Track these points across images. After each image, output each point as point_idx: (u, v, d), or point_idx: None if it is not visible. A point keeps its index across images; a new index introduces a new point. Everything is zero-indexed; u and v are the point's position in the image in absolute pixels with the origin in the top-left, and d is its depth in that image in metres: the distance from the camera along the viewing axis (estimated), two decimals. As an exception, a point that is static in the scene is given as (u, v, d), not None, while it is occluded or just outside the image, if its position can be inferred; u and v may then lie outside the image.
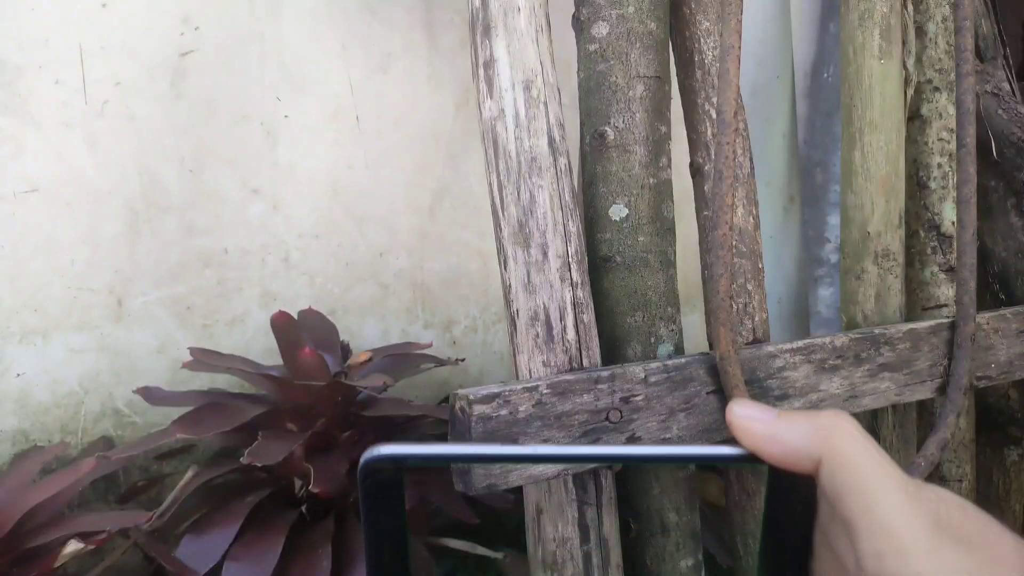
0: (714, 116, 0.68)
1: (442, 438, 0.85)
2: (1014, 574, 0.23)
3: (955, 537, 0.24)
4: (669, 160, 0.66)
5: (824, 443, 0.25)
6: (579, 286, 0.59)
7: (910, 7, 0.82)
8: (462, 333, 0.98)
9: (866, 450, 0.25)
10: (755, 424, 0.27)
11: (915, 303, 0.82)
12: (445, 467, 0.87)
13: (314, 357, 0.69)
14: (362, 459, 0.26)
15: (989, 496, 0.92)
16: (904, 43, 0.81)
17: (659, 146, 0.65)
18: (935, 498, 0.25)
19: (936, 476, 0.83)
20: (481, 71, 0.61)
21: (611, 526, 0.61)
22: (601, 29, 0.64)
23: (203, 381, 0.79)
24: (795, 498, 0.27)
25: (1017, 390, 0.91)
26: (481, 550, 0.69)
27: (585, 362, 0.58)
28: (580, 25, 0.66)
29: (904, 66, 0.81)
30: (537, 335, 0.57)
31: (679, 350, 0.65)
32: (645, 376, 0.57)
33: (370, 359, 0.77)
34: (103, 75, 0.77)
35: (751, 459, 0.27)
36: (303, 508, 0.70)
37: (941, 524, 0.24)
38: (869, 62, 0.77)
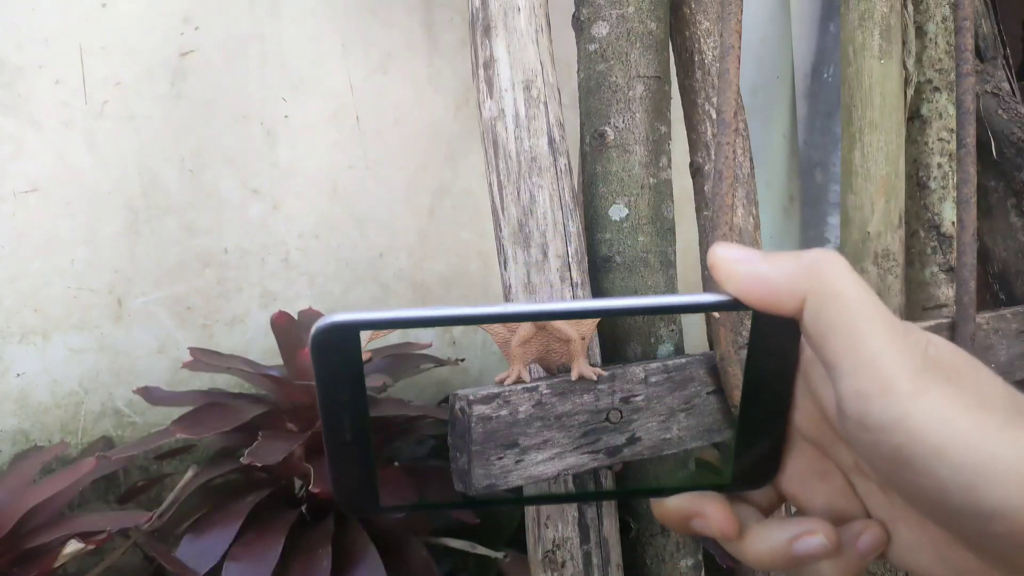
0: (714, 116, 0.68)
1: (442, 438, 0.85)
2: (1003, 416, 0.22)
3: (943, 378, 0.22)
4: (669, 160, 0.66)
5: (810, 280, 0.23)
6: (579, 286, 0.59)
7: (910, 7, 0.82)
8: (462, 333, 0.98)
9: (853, 286, 0.23)
10: (738, 265, 0.25)
11: (915, 303, 0.82)
12: (437, 470, 0.85)
13: (314, 357, 0.68)
14: (313, 330, 0.24)
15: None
16: (904, 43, 0.81)
17: (659, 146, 0.65)
18: (924, 340, 0.23)
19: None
20: (481, 71, 0.61)
21: (611, 526, 0.61)
22: (601, 29, 0.64)
23: (203, 381, 0.79)
24: (778, 345, 0.26)
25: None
26: (481, 550, 0.69)
27: (585, 362, 0.58)
28: (580, 25, 0.66)
29: (904, 66, 0.81)
30: (537, 335, 0.57)
31: (679, 350, 0.65)
32: (645, 376, 0.57)
33: (370, 359, 0.77)
34: (103, 75, 0.77)
35: (734, 304, 0.25)
36: (303, 508, 0.70)
37: (930, 364, 0.22)
38: (869, 62, 0.77)
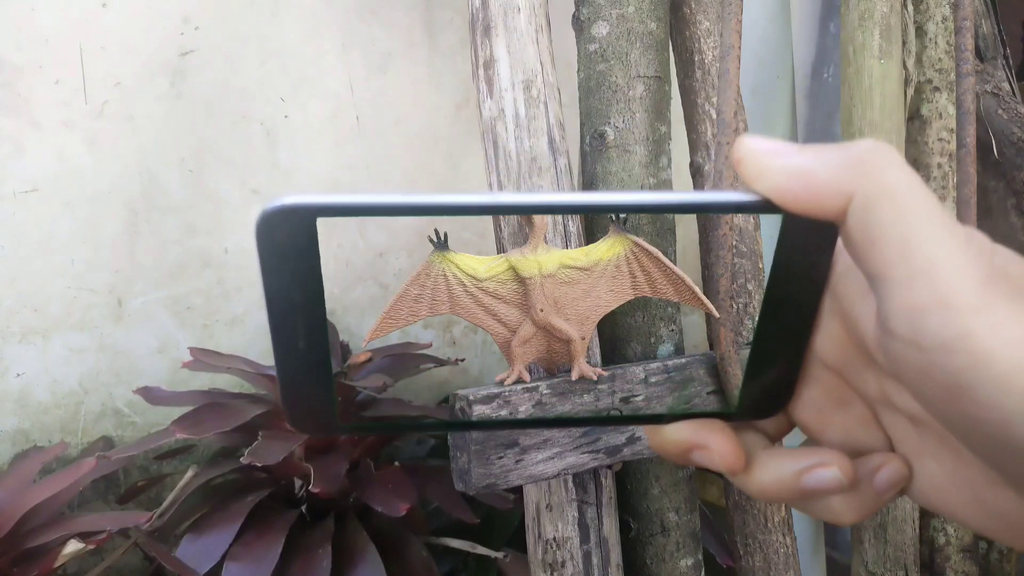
0: (714, 116, 0.68)
1: (442, 438, 0.85)
2: None
3: (1014, 292, 0.19)
4: (669, 160, 0.66)
5: (861, 174, 0.20)
6: (579, 286, 0.59)
7: (910, 7, 0.82)
8: (462, 333, 0.98)
9: (909, 184, 0.19)
10: (773, 158, 0.21)
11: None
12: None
13: (314, 357, 0.68)
14: (258, 215, 0.20)
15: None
16: (904, 43, 0.81)
17: (659, 146, 0.65)
18: (990, 248, 0.20)
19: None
20: (481, 71, 0.61)
21: (611, 526, 0.61)
22: (601, 29, 0.64)
23: (203, 381, 0.79)
24: (808, 255, 0.22)
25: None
26: (481, 550, 0.69)
27: (585, 362, 0.58)
28: (580, 25, 0.66)
29: (904, 66, 0.81)
30: (537, 335, 0.57)
31: (679, 350, 0.65)
32: (645, 376, 0.57)
33: (370, 359, 0.77)
34: (103, 75, 0.77)
35: (763, 206, 0.21)
36: (303, 508, 0.70)
37: (997, 276, 0.19)
38: (869, 62, 0.77)
